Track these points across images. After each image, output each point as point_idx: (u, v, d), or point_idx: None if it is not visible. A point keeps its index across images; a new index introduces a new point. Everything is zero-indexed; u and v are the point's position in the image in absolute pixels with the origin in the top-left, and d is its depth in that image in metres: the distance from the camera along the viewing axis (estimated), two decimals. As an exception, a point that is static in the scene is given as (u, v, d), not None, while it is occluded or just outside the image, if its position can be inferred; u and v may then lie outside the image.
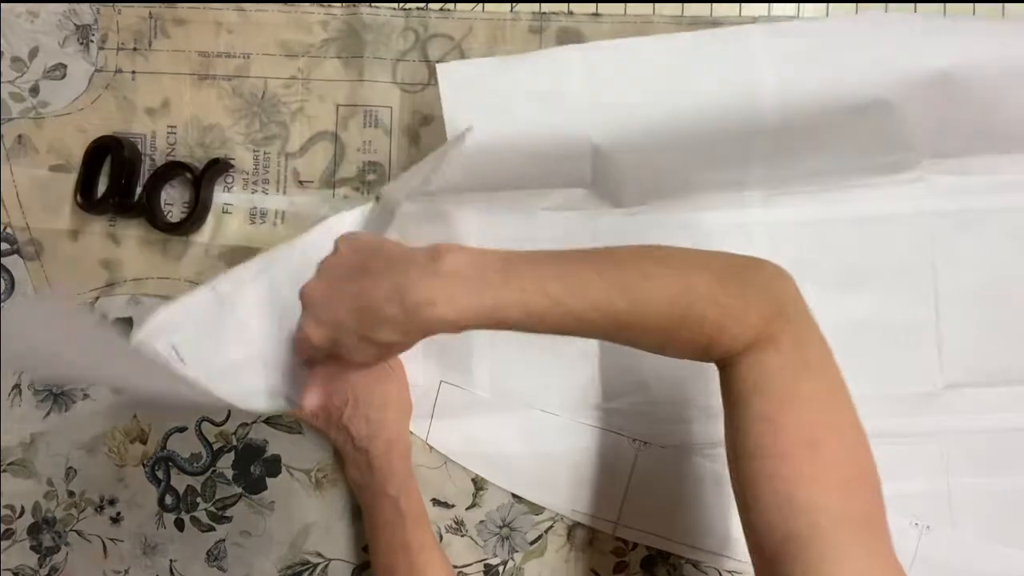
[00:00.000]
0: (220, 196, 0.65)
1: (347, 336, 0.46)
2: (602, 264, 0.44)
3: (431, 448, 0.65)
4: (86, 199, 0.64)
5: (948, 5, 0.63)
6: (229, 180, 0.65)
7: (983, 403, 0.63)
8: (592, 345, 0.63)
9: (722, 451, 0.62)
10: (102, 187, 0.64)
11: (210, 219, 0.65)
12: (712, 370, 0.63)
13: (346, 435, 0.60)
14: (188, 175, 0.64)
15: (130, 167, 0.63)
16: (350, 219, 0.62)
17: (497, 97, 0.56)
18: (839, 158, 0.61)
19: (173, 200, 0.65)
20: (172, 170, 0.64)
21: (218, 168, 0.64)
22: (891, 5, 0.64)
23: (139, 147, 0.65)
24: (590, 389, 0.64)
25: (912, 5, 0.64)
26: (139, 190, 0.64)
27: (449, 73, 0.55)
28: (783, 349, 0.44)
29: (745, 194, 0.63)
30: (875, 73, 0.59)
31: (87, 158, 0.64)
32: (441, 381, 0.64)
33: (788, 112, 0.58)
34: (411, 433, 0.64)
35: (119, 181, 0.63)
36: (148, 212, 0.63)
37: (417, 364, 0.64)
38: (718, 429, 0.63)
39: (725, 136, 0.59)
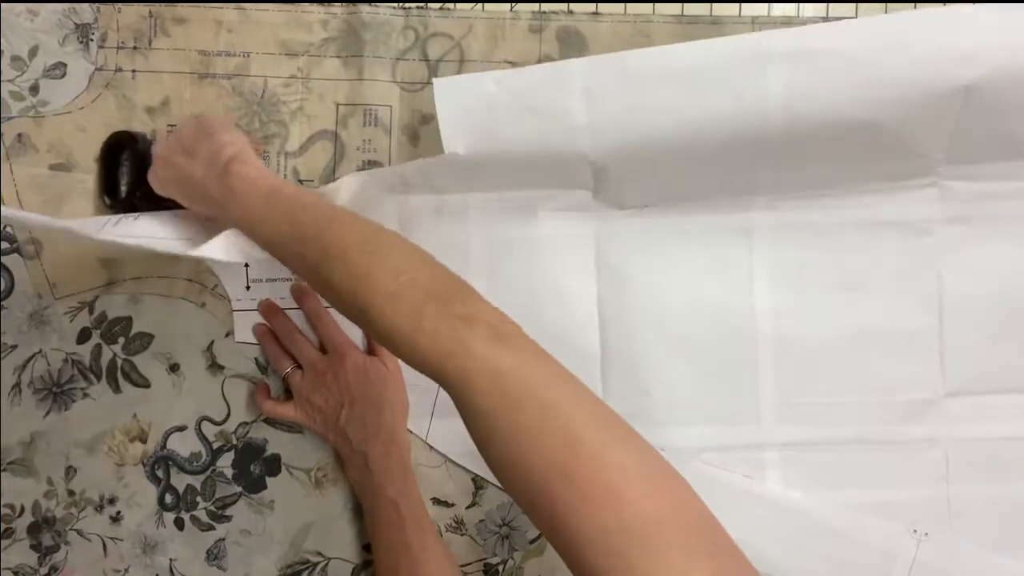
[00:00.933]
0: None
1: (175, 196, 0.57)
2: (323, 232, 0.47)
3: (431, 447, 0.65)
4: (112, 198, 0.63)
5: (948, 6, 0.62)
6: None
7: (984, 411, 0.63)
8: (594, 347, 0.63)
9: (721, 456, 0.63)
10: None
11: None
12: (717, 377, 0.64)
13: (344, 438, 0.60)
14: (133, 142, 0.62)
15: (148, 159, 0.62)
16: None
17: (495, 113, 0.56)
18: (849, 165, 0.61)
19: None
20: (122, 139, 0.63)
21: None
22: (891, 5, 0.64)
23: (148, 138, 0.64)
24: (589, 388, 0.64)
25: (912, 5, 0.64)
26: None
27: (445, 89, 0.55)
28: (483, 389, 0.40)
29: (750, 198, 0.63)
30: (886, 84, 0.56)
31: (104, 157, 0.63)
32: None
33: (797, 122, 0.57)
34: (411, 432, 0.64)
35: (140, 174, 0.62)
36: (176, 202, 0.61)
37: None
38: (719, 434, 0.63)
39: (732, 147, 0.58)
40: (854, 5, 0.63)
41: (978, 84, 0.55)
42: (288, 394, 0.63)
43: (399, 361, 0.64)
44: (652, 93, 0.56)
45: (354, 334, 0.64)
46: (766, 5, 0.63)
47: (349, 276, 0.45)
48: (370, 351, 0.64)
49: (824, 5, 0.64)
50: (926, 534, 0.62)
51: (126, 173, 0.63)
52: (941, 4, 0.63)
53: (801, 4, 0.62)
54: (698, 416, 0.63)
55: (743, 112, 0.56)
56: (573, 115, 0.57)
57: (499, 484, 0.42)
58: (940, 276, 0.63)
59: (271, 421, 0.65)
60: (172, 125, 0.65)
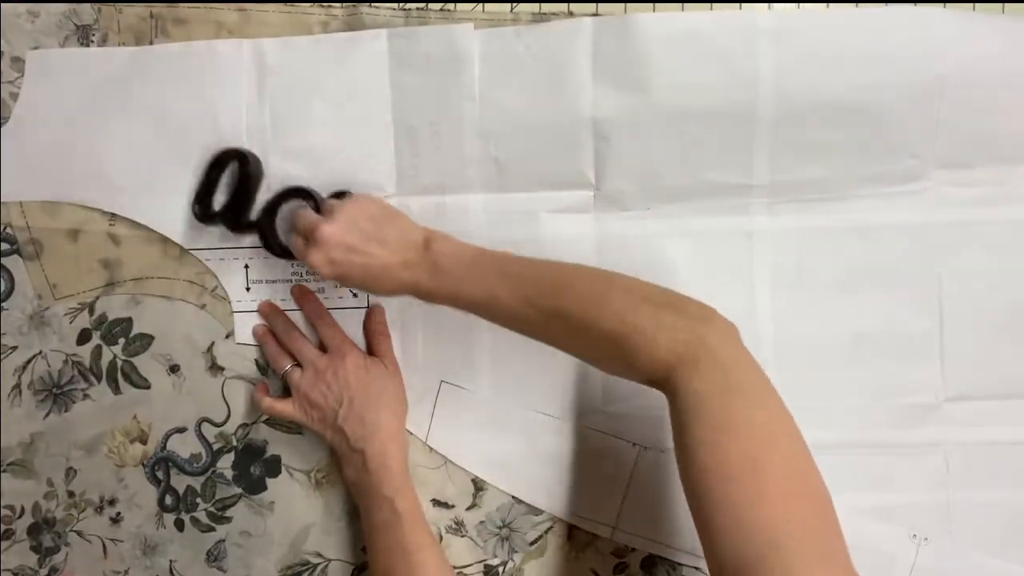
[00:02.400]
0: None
1: (349, 280, 0.56)
2: (540, 269, 0.54)
3: (431, 448, 0.65)
4: (203, 209, 0.62)
5: (948, 5, 0.62)
6: None
7: (984, 416, 0.63)
8: None
9: None
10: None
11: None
12: None
13: (341, 436, 0.60)
14: (312, 204, 0.61)
15: (252, 184, 0.62)
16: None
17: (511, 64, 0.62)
18: (845, 164, 0.62)
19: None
20: (293, 195, 0.62)
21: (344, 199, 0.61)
22: (890, 6, 0.64)
23: (262, 165, 0.63)
24: (591, 392, 0.64)
25: (912, 6, 0.64)
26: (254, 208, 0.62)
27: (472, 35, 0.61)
28: (707, 375, 0.47)
29: (750, 201, 0.63)
30: (873, 68, 0.60)
31: (210, 167, 0.62)
32: (441, 381, 0.64)
33: (787, 101, 0.60)
34: (410, 433, 0.64)
35: (240, 196, 0.62)
36: (263, 233, 0.61)
37: (418, 364, 0.64)
38: None
39: (726, 122, 0.61)
40: (853, 6, 0.63)
41: (951, 76, 0.60)
42: (287, 393, 0.63)
43: (398, 363, 0.64)
44: (653, 55, 0.60)
45: (355, 335, 0.64)
46: (766, 5, 0.63)
47: (581, 300, 0.51)
48: (370, 352, 0.64)
49: (824, 6, 0.64)
50: (926, 539, 0.62)
51: (224, 189, 0.63)
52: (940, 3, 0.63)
53: (801, 4, 0.62)
54: None
55: (735, 83, 0.60)
56: (579, 70, 0.61)
57: (681, 472, 0.46)
58: (940, 280, 0.63)
59: (271, 422, 0.65)
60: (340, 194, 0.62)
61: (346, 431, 0.60)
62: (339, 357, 0.61)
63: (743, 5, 0.62)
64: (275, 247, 0.62)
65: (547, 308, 0.51)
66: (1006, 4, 0.63)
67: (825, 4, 0.61)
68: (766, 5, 0.61)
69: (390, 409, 0.61)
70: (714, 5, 0.63)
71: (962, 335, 0.63)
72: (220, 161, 0.62)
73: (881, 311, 0.63)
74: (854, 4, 0.61)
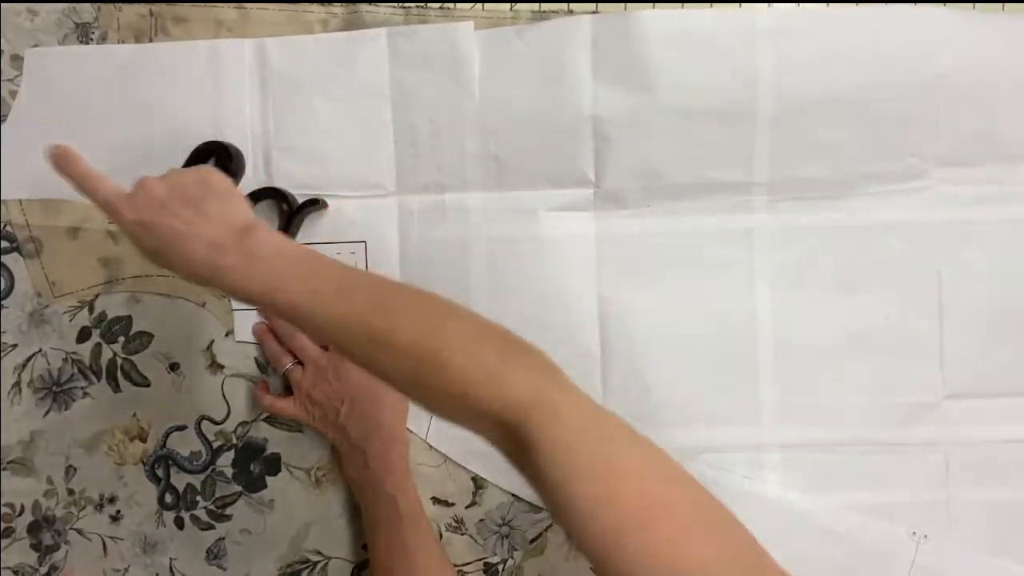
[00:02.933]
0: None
1: (144, 239, 0.48)
2: (378, 286, 0.47)
3: (431, 446, 0.65)
4: None
5: (948, 5, 0.62)
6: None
7: (983, 414, 0.63)
8: (595, 346, 0.63)
9: (721, 457, 0.63)
10: None
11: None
12: (717, 378, 0.64)
13: (343, 434, 0.60)
14: (285, 206, 0.62)
15: (232, 178, 0.60)
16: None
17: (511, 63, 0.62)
18: (845, 162, 0.62)
19: None
20: (267, 195, 0.63)
21: (315, 207, 0.63)
22: (890, 6, 0.64)
23: (244, 160, 0.63)
24: (592, 390, 0.64)
25: (911, 6, 0.64)
26: None
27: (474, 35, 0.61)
28: (571, 423, 0.40)
29: (750, 199, 0.63)
30: (873, 68, 0.61)
31: (193, 157, 0.63)
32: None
33: (787, 100, 0.61)
34: (411, 432, 0.64)
35: None
36: None
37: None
38: (720, 435, 0.64)
39: (726, 120, 0.61)
40: (853, 6, 0.63)
41: (951, 75, 0.60)
42: (288, 392, 0.63)
43: None
44: (653, 52, 0.60)
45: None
46: (766, 5, 0.63)
47: (417, 326, 0.44)
48: None
49: (823, 6, 0.64)
50: (925, 536, 0.62)
51: None
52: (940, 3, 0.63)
53: (801, 4, 0.62)
54: (698, 416, 0.63)
55: (735, 81, 0.61)
56: (579, 68, 0.61)
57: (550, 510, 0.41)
58: (940, 278, 0.63)
59: (271, 420, 0.65)
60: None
61: (348, 429, 0.60)
62: (340, 355, 0.61)
63: (743, 4, 0.62)
64: None
65: (377, 327, 0.44)
66: (1006, 4, 0.63)
67: (825, 3, 0.61)
68: (766, 4, 0.61)
69: (392, 408, 0.61)
70: (714, 4, 0.63)
71: (962, 334, 0.63)
72: (203, 152, 0.63)
73: (881, 309, 0.63)
74: (854, 3, 0.61)
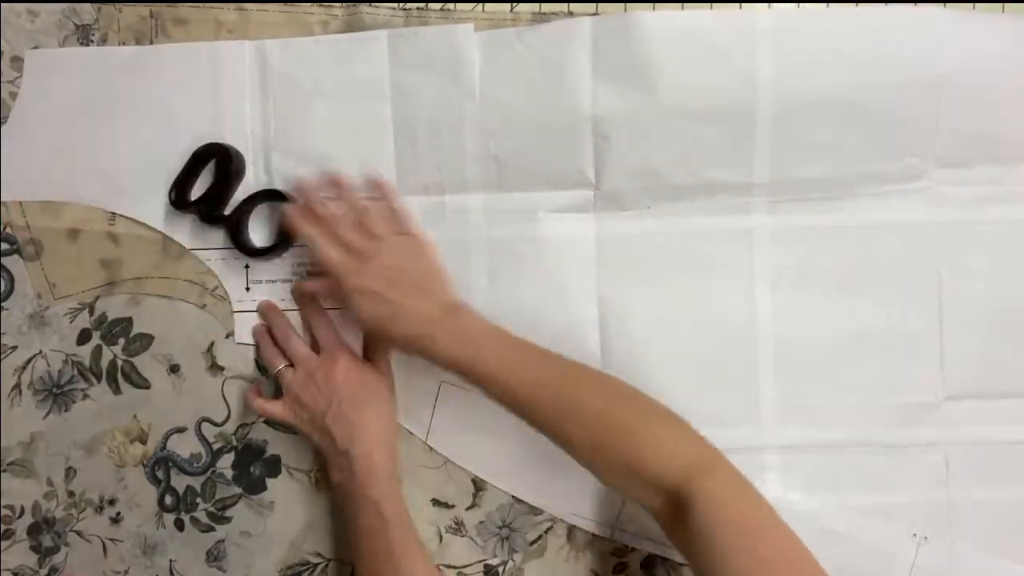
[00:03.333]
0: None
1: (366, 307, 0.57)
2: (565, 363, 0.56)
3: (431, 448, 0.65)
4: (179, 196, 0.63)
5: (948, 5, 0.62)
6: None
7: (983, 415, 0.63)
8: (595, 348, 0.63)
9: None
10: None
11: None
12: (717, 378, 0.64)
13: (328, 437, 0.60)
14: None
15: (231, 179, 0.63)
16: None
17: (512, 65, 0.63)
18: (845, 163, 0.62)
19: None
20: (267, 196, 0.63)
21: None
22: (891, 6, 0.64)
23: (245, 163, 0.64)
24: None
25: (912, 6, 0.64)
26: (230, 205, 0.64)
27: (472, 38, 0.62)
28: (726, 482, 0.50)
29: (751, 200, 0.63)
30: (873, 68, 0.61)
31: (193, 158, 0.63)
32: (441, 382, 0.64)
33: (787, 100, 0.61)
34: (410, 433, 0.64)
35: (217, 190, 0.63)
36: (234, 229, 0.63)
37: (418, 364, 0.64)
38: (719, 436, 0.63)
39: (726, 120, 0.61)
40: (853, 6, 0.63)
41: (951, 75, 0.60)
42: (280, 394, 0.63)
43: (398, 364, 0.64)
44: (653, 53, 0.61)
45: (353, 344, 0.64)
46: (766, 5, 0.63)
47: (604, 398, 0.54)
48: (366, 355, 0.64)
49: (824, 6, 0.64)
50: (926, 538, 0.62)
51: (205, 181, 0.63)
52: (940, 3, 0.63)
53: (801, 4, 0.62)
54: (698, 417, 0.63)
55: (735, 82, 0.61)
56: (579, 69, 0.61)
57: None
58: (940, 279, 0.63)
59: (271, 422, 0.65)
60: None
61: (333, 432, 0.59)
62: (331, 359, 0.61)
63: (743, 5, 0.62)
64: (243, 244, 0.63)
65: (564, 395, 0.53)
66: (1006, 4, 0.63)
67: (825, 4, 0.61)
68: (766, 4, 0.61)
69: (378, 412, 0.61)
70: (714, 4, 0.63)
71: (962, 334, 0.63)
72: (204, 154, 0.63)
73: (881, 310, 0.63)
74: (854, 4, 0.61)
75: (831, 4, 0.61)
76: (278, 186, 0.64)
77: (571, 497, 0.64)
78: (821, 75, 0.61)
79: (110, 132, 0.64)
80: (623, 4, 0.63)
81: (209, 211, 0.63)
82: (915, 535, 0.62)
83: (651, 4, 0.63)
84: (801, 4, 0.61)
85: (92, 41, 0.64)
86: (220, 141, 0.63)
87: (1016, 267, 0.63)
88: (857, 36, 0.61)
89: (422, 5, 0.64)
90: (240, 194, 0.63)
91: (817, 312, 0.63)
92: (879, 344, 0.63)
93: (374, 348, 0.64)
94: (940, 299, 0.63)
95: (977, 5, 0.63)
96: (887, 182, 0.62)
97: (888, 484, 0.63)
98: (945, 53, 0.61)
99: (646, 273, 0.63)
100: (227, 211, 0.63)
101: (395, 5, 0.64)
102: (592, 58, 0.61)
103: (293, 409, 0.61)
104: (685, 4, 0.62)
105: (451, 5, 0.64)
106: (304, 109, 0.63)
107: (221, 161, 0.63)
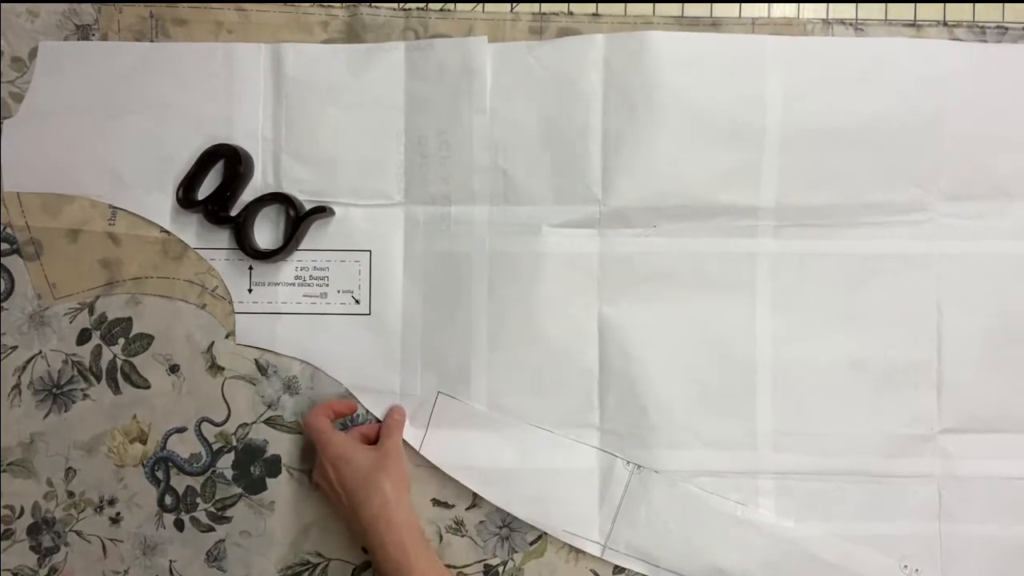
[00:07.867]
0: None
1: (326, 493, 0.61)
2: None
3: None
4: (186, 195, 0.63)
5: (948, 5, 0.63)
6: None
7: (979, 449, 0.63)
8: (593, 365, 0.63)
9: (715, 481, 0.62)
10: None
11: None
12: (714, 401, 0.63)
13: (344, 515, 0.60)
14: (291, 212, 0.63)
15: (239, 181, 0.63)
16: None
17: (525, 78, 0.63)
18: (850, 191, 0.62)
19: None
20: (274, 200, 0.64)
21: (322, 215, 0.63)
22: (891, 6, 0.64)
23: (253, 165, 0.64)
24: (588, 408, 0.64)
25: (912, 6, 0.64)
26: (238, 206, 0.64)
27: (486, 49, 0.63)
28: None
29: (757, 223, 0.63)
30: (878, 98, 0.62)
31: (202, 159, 0.63)
32: (438, 392, 0.64)
33: (795, 126, 0.61)
34: (405, 443, 0.64)
35: (224, 191, 0.63)
36: (240, 231, 0.63)
37: (415, 374, 0.64)
38: (715, 459, 0.63)
39: (733, 142, 0.61)
40: (854, 6, 0.63)
41: (954, 108, 0.61)
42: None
43: (398, 383, 0.64)
44: (664, 74, 0.61)
45: (353, 339, 0.64)
46: (766, 6, 0.63)
47: None
48: (380, 439, 0.63)
49: (824, 6, 0.64)
50: (917, 570, 0.62)
51: (212, 181, 0.64)
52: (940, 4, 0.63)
53: (801, 4, 0.62)
54: (694, 440, 0.63)
55: (744, 106, 0.61)
56: (590, 86, 0.62)
57: None
58: (940, 310, 0.63)
59: (271, 422, 0.65)
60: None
61: (351, 524, 0.60)
62: (343, 462, 0.60)
63: (743, 4, 0.62)
64: (247, 246, 0.63)
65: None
66: (1006, 4, 0.63)
67: (829, 27, 0.61)
68: (761, 23, 0.61)
69: (382, 495, 0.58)
70: (713, 5, 0.63)
71: (960, 367, 0.63)
72: (213, 154, 0.63)
73: (880, 339, 0.63)
74: (855, 33, 0.61)
75: (837, 36, 0.62)
76: (286, 190, 0.64)
77: (562, 512, 0.63)
78: (828, 103, 0.61)
79: (120, 127, 0.64)
80: (623, 4, 0.63)
81: (215, 211, 0.63)
82: (906, 567, 0.62)
83: (651, 4, 0.63)
84: (807, 36, 0.62)
85: (92, 41, 0.64)
86: (230, 141, 0.63)
87: (1016, 301, 0.63)
88: (863, 65, 0.61)
89: (422, 5, 0.64)
90: (247, 196, 0.64)
91: (817, 339, 0.63)
92: (877, 373, 0.63)
93: (389, 434, 0.63)
94: (939, 331, 0.63)
95: (977, 6, 0.63)
96: (891, 212, 0.63)
97: (881, 515, 0.63)
98: (950, 86, 0.61)
99: (648, 292, 0.63)
100: (233, 212, 0.63)
101: (395, 5, 0.64)
102: (603, 76, 0.61)
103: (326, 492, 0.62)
104: (685, 5, 0.62)
105: (451, 5, 0.64)
106: (316, 114, 0.64)
107: (230, 162, 0.63)
